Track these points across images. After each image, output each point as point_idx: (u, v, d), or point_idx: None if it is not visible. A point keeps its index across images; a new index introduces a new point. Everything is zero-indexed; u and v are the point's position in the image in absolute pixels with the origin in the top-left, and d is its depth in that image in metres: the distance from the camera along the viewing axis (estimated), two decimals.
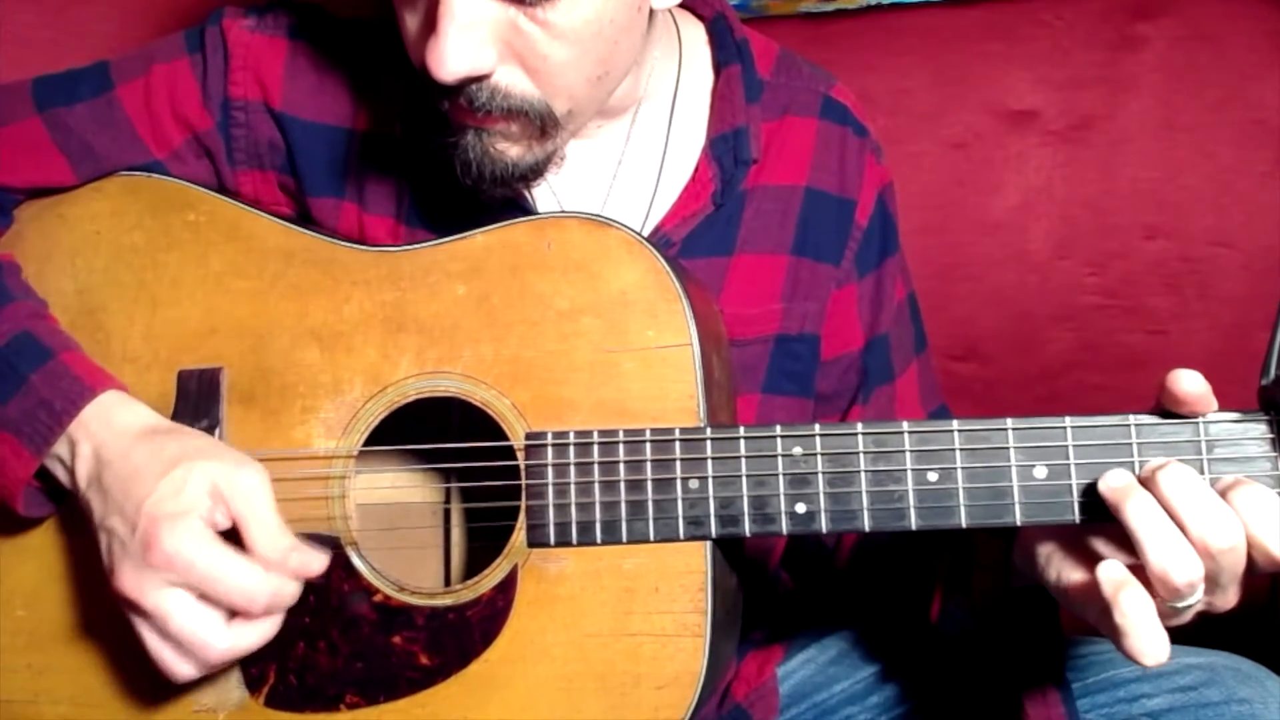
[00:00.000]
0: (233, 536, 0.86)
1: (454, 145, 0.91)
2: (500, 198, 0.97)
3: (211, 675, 0.91)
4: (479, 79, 0.87)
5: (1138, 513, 0.78)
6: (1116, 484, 0.80)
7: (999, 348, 1.54)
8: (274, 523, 0.86)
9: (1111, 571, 0.78)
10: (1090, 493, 0.82)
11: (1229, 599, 0.80)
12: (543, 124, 0.90)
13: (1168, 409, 0.82)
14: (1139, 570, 0.78)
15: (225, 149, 1.03)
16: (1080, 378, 1.53)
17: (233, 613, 0.85)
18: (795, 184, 1.07)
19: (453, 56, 0.84)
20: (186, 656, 0.85)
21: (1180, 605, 0.77)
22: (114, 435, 0.89)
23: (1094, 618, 0.81)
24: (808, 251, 1.08)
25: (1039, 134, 1.50)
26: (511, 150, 0.91)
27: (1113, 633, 0.78)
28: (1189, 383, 0.80)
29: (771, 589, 1.19)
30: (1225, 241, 1.48)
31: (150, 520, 0.84)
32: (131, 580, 0.84)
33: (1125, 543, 0.80)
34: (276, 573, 0.85)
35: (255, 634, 0.86)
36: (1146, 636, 0.77)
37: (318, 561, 0.86)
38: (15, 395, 0.90)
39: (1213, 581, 0.78)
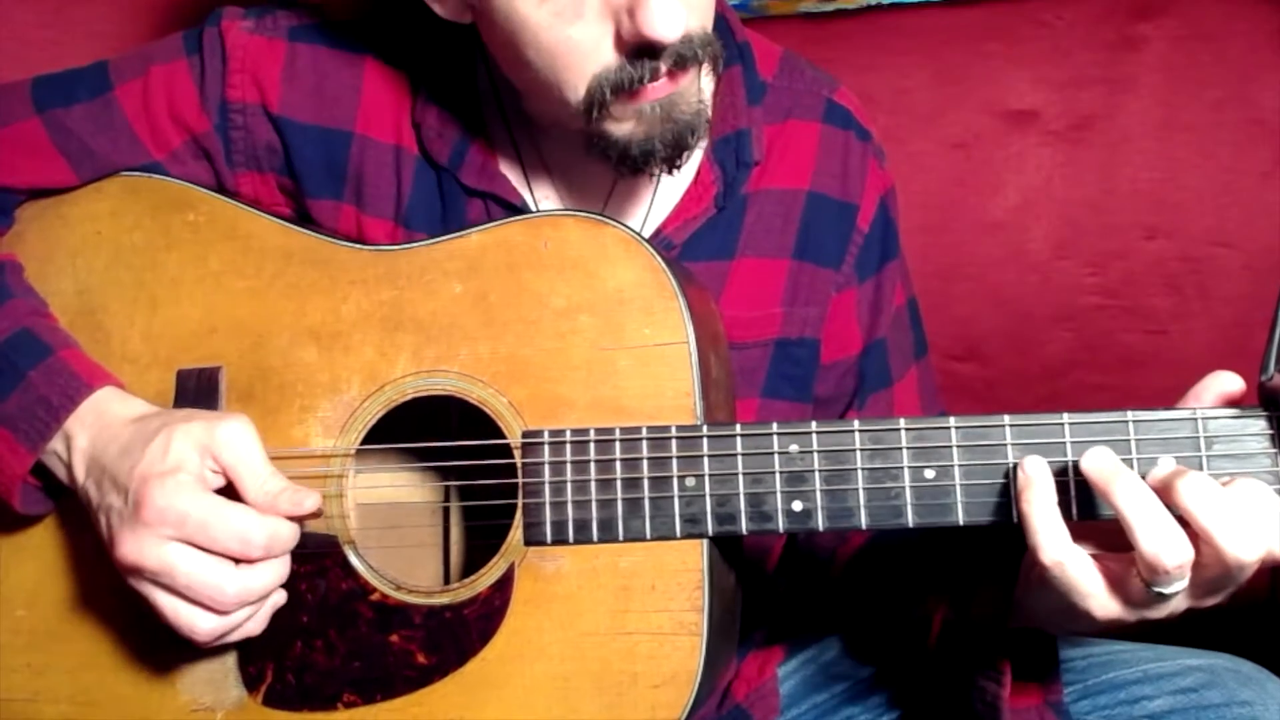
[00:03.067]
0: (227, 493, 0.87)
1: (636, 134, 0.91)
2: (676, 160, 0.94)
3: (209, 673, 0.92)
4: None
5: (1127, 496, 0.78)
6: (1104, 464, 0.80)
7: (999, 348, 1.53)
8: (263, 468, 0.87)
9: None
10: (1086, 490, 0.82)
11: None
12: (714, 53, 0.91)
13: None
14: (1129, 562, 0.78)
15: (224, 151, 1.03)
16: (1080, 378, 1.52)
17: (236, 561, 0.85)
18: (797, 188, 1.07)
19: (675, 12, 0.84)
20: (202, 607, 0.85)
21: (1168, 591, 0.77)
22: (108, 426, 0.90)
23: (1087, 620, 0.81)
24: (809, 256, 1.07)
25: (1039, 134, 1.50)
26: (696, 95, 0.91)
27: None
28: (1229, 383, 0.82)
29: (772, 589, 1.19)
30: (1225, 241, 1.47)
31: (141, 482, 0.85)
32: (130, 544, 0.84)
33: (1113, 543, 0.80)
34: (270, 515, 0.85)
35: (264, 576, 0.86)
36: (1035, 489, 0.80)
37: (310, 500, 0.87)
38: (14, 391, 0.91)
39: (1228, 580, 0.78)
